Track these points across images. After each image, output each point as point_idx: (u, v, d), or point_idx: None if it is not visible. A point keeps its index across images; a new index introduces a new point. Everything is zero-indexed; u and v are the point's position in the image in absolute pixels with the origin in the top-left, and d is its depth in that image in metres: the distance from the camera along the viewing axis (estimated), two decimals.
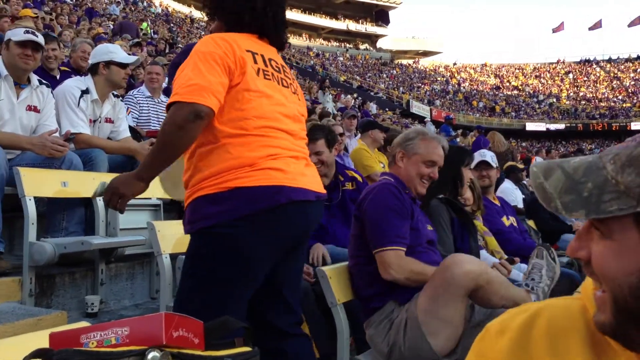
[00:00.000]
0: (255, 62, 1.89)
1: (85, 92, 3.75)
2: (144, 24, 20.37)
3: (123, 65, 3.88)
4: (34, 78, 3.49)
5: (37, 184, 3.04)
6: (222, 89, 1.76)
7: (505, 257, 3.59)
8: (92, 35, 10.72)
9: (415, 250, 2.43)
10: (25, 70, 3.36)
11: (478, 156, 4.32)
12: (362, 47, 61.12)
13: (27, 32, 3.37)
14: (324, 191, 2.03)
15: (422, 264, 2.36)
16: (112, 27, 14.93)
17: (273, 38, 2.05)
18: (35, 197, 3.01)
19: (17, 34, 3.37)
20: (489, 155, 4.35)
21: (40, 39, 3.39)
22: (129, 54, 4.68)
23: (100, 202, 3.31)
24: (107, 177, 3.58)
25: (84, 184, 3.32)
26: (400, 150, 2.65)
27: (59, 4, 16.75)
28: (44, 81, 3.60)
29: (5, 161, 2.98)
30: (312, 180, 1.95)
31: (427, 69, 60.55)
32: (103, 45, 4.22)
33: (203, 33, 26.02)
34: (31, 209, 2.94)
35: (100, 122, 3.90)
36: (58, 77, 5.18)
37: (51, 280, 3.09)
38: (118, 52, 3.92)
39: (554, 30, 58.73)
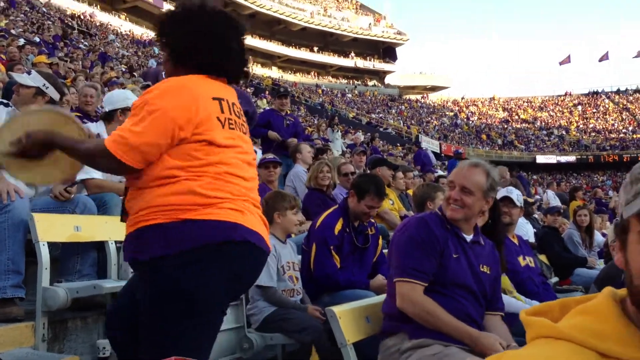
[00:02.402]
0: (222, 111, 1.89)
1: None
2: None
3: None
4: None
5: (51, 228, 3.06)
6: (154, 150, 1.78)
7: (517, 295, 3.57)
8: (104, 79, 10.97)
9: (435, 289, 2.38)
10: None
11: (504, 192, 4.22)
12: (370, 83, 61.78)
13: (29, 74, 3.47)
14: (270, 247, 2.02)
15: (435, 306, 2.30)
16: (123, 70, 15.25)
17: (237, 76, 2.05)
18: (49, 242, 3.05)
19: (22, 78, 3.46)
20: (515, 193, 4.19)
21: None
22: None
23: (112, 245, 3.35)
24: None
25: (97, 227, 3.36)
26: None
27: (73, 49, 17.16)
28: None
29: (29, 207, 3.03)
30: (264, 232, 1.93)
31: (436, 104, 60.92)
32: (121, 92, 4.29)
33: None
34: (45, 254, 2.97)
35: None
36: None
37: (64, 325, 3.09)
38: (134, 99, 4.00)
39: (561, 63, 59.12)
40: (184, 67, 1.95)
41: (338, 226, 3.50)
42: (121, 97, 4.03)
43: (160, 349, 1.66)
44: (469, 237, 2.53)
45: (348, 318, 2.41)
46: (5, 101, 3.43)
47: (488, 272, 2.53)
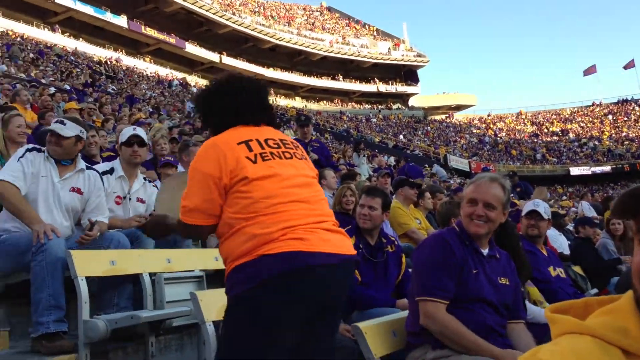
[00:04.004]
0: (250, 149, 2.10)
1: (107, 172, 4.06)
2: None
3: (128, 144, 4.16)
4: (80, 162, 3.71)
5: (88, 264, 3.21)
6: (210, 205, 2.09)
7: (547, 305, 3.56)
8: (132, 120, 11.32)
9: (457, 304, 2.42)
10: (55, 156, 3.57)
11: (531, 205, 4.27)
12: (394, 107, 61.92)
13: (56, 121, 3.66)
14: (352, 252, 2.11)
15: (458, 324, 2.34)
16: (150, 110, 15.68)
17: (264, 122, 2.28)
18: (86, 277, 3.19)
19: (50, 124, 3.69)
20: (542, 206, 4.24)
21: (66, 128, 3.60)
22: (173, 137, 5.06)
23: (146, 277, 3.48)
24: (153, 254, 3.78)
25: (131, 261, 3.50)
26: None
27: (102, 93, 17.75)
28: (92, 167, 3.86)
29: (65, 245, 3.18)
30: (335, 244, 2.03)
31: (462, 123, 60.63)
32: (124, 129, 4.59)
33: None
34: (84, 288, 3.10)
35: (130, 199, 4.16)
36: (100, 162, 5.51)
37: (105, 355, 3.21)
38: (124, 134, 4.26)
39: (586, 73, 58.44)
40: (215, 130, 2.28)
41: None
42: (122, 132, 4.40)
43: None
44: (485, 252, 2.58)
45: (374, 333, 2.46)
46: (38, 147, 3.63)
47: (507, 283, 2.58)
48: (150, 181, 4.46)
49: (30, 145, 3.63)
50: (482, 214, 2.50)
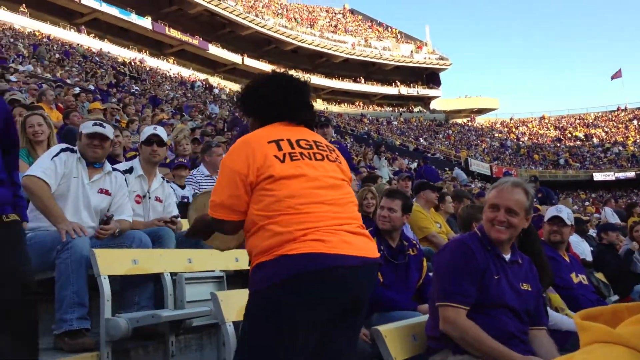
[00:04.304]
0: (280, 148, 2.12)
1: (127, 171, 4.12)
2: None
3: (148, 143, 4.23)
4: (107, 165, 3.79)
5: (111, 263, 3.25)
6: (236, 201, 2.11)
7: (569, 313, 3.52)
8: (156, 121, 11.44)
9: (478, 309, 2.40)
10: (95, 159, 3.66)
11: (553, 211, 4.22)
12: (415, 109, 61.67)
13: (95, 124, 3.69)
14: (375, 254, 2.10)
15: (479, 331, 2.33)
16: (173, 111, 15.83)
17: (299, 121, 2.29)
18: (109, 276, 3.23)
19: (86, 126, 3.71)
20: (565, 212, 4.18)
21: (108, 129, 3.69)
22: (195, 137, 5.12)
23: (167, 277, 3.51)
24: (175, 254, 3.82)
25: (153, 260, 3.54)
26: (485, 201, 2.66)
27: (125, 94, 17.97)
28: (117, 169, 3.92)
29: (89, 244, 3.23)
30: (358, 246, 2.02)
31: (484, 126, 60.12)
32: (145, 128, 4.66)
33: None
34: (106, 287, 3.14)
35: (150, 198, 4.22)
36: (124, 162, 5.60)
37: (126, 354, 3.25)
38: (145, 132, 4.35)
39: (612, 77, 57.59)
40: (258, 122, 2.32)
41: None
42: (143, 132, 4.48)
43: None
44: (507, 257, 2.56)
45: (394, 337, 2.46)
46: (72, 147, 3.69)
47: (529, 289, 2.55)
48: (168, 181, 4.51)
49: (65, 145, 3.67)
50: (504, 219, 2.49)
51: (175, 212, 4.34)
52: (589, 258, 6.49)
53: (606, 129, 56.14)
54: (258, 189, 2.06)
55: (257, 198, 2.07)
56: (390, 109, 61.27)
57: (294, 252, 1.93)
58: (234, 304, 2.82)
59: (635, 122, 55.98)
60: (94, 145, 3.62)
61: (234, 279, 4.29)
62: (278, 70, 2.48)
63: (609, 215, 12.26)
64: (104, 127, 3.67)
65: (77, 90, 13.81)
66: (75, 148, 3.65)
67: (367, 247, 2.08)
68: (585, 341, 0.87)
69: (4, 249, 2.27)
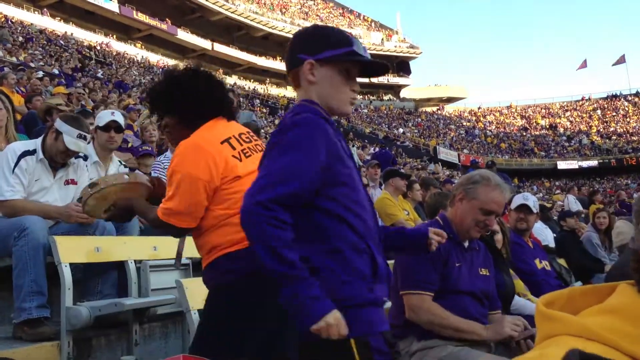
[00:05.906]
0: (233, 147, 2.12)
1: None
2: None
3: (106, 129, 4.07)
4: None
5: (72, 250, 3.18)
6: (196, 208, 2.07)
7: (532, 297, 3.59)
8: (122, 106, 11.22)
9: (440, 296, 2.45)
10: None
11: (520, 199, 4.31)
12: (385, 98, 61.88)
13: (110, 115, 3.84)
14: None
15: (443, 310, 2.40)
16: (140, 97, 15.57)
17: (231, 116, 2.28)
18: (70, 264, 3.16)
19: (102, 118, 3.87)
20: (531, 200, 4.28)
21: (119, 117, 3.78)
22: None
23: (132, 264, 3.45)
24: (139, 241, 3.75)
25: (116, 248, 3.47)
26: (461, 190, 2.57)
27: (90, 79, 17.56)
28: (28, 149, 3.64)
29: (47, 230, 3.15)
30: None
31: (452, 115, 60.72)
32: (101, 112, 4.60)
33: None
34: (67, 275, 3.07)
35: None
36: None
37: (88, 343, 3.19)
38: (102, 117, 4.20)
39: (578, 68, 58.74)
40: (184, 123, 2.23)
41: None
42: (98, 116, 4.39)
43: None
44: (466, 244, 2.63)
45: None
46: (31, 150, 3.46)
47: (487, 273, 2.64)
48: (126, 166, 4.38)
49: (21, 150, 3.40)
50: (491, 225, 2.56)
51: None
52: (552, 244, 6.63)
53: (571, 119, 57.34)
54: (221, 190, 2.07)
55: (220, 199, 2.07)
56: (360, 96, 61.37)
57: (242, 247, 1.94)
58: (199, 292, 2.78)
59: (599, 111, 57.31)
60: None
61: (199, 267, 4.24)
62: (191, 65, 2.37)
63: (572, 202, 12.55)
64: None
65: (40, 74, 13.44)
66: (34, 149, 3.45)
67: None
68: (554, 332, 0.81)
69: None
